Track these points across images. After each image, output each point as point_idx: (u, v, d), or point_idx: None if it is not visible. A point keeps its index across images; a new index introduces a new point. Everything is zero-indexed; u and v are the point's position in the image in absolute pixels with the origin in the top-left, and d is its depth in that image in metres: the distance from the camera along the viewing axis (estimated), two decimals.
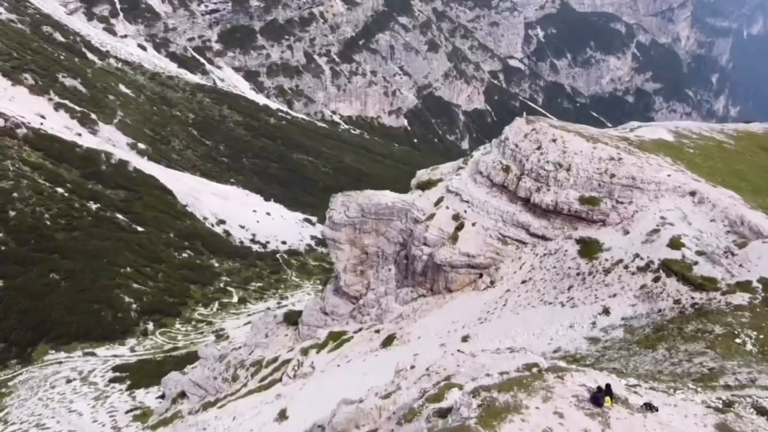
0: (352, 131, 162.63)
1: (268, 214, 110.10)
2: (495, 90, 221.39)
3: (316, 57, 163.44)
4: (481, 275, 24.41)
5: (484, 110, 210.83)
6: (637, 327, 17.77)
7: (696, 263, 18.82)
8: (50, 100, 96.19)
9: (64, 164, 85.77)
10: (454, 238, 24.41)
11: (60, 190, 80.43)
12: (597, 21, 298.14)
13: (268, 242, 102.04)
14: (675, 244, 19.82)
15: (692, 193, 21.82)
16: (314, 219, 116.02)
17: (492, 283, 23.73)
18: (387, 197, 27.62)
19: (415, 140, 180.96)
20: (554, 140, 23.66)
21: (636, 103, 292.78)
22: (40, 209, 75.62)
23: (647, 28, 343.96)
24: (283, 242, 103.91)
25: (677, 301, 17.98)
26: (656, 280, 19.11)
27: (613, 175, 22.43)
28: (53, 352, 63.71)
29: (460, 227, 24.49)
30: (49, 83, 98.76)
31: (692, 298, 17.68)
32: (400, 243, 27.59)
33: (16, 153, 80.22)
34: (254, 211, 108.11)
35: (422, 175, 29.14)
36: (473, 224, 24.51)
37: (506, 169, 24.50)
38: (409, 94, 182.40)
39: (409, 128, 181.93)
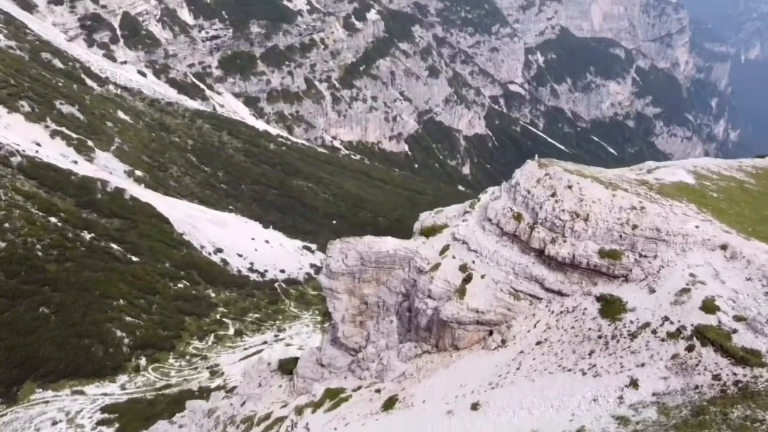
0: (352, 156, 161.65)
1: (267, 242, 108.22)
2: (496, 115, 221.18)
3: (316, 83, 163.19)
4: (491, 332, 22.41)
5: (485, 135, 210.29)
6: (672, 407, 15.68)
7: (735, 331, 16.83)
8: (46, 127, 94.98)
9: (58, 193, 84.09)
10: (461, 292, 22.45)
11: (53, 219, 78.58)
12: (596, 46, 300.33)
13: (266, 271, 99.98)
14: (709, 306, 17.84)
15: (723, 247, 19.92)
16: (313, 247, 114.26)
17: (503, 342, 21.70)
18: (388, 244, 25.74)
19: (416, 165, 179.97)
20: (570, 186, 21.83)
21: (636, 128, 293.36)
22: (32, 240, 73.63)
23: (646, 54, 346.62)
24: (282, 271, 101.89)
25: (716, 377, 15.93)
26: (690, 349, 17.09)
27: (635, 226, 20.53)
28: (40, 390, 61.14)
29: (468, 279, 22.54)
30: (46, 110, 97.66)
31: (734, 374, 15.62)
32: (403, 293, 25.61)
33: (9, 182, 78.56)
34: (252, 239, 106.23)
35: (425, 219, 27.26)
36: (482, 276, 22.56)
37: (518, 217, 22.64)
38: (410, 119, 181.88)
39: (409, 153, 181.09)
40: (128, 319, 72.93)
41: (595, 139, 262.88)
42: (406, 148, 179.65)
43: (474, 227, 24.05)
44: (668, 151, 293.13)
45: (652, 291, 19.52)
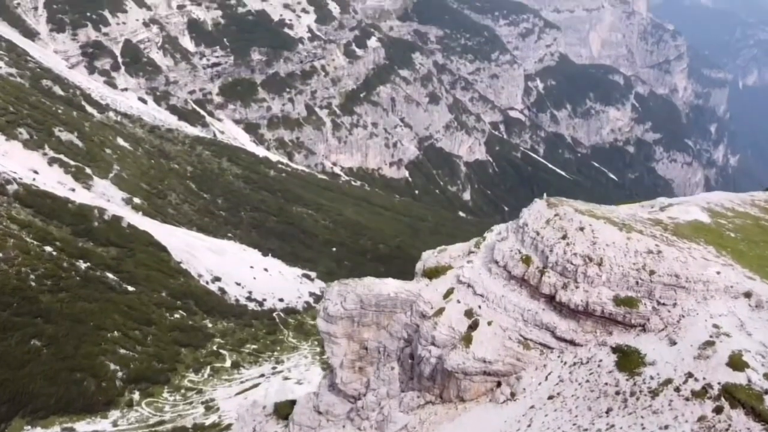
0: (352, 183, 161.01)
1: (266, 270, 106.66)
2: (496, 141, 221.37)
3: (317, 109, 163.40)
4: (499, 384, 21.00)
5: (485, 161, 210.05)
6: None
7: (767, 392, 15.46)
8: (45, 154, 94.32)
9: (54, 221, 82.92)
10: (467, 340, 21.09)
11: (48, 248, 77.26)
12: (595, 73, 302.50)
13: (264, 300, 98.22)
14: (736, 363, 16.51)
15: (747, 295, 18.65)
16: (313, 275, 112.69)
17: (512, 395, 20.28)
18: (389, 286, 24.44)
19: (417, 191, 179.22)
20: (581, 228, 20.64)
21: (637, 153, 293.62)
22: (25, 269, 72.20)
23: (645, 80, 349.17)
24: (281, 300, 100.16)
25: None
26: (718, 411, 15.71)
27: (652, 272, 19.27)
28: (29, 428, 59.10)
29: (474, 326, 21.21)
30: (45, 137, 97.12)
31: None
32: (405, 339, 24.24)
33: (4, 211, 77.48)
34: (251, 267, 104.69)
35: (428, 259, 25.99)
36: (489, 323, 21.23)
37: (526, 261, 21.40)
38: (410, 145, 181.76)
39: (410, 179, 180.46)
40: (122, 351, 71.07)
41: (596, 164, 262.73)
42: (407, 174, 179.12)
43: (480, 269, 22.80)
44: (669, 176, 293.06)
45: (673, 343, 18.19)
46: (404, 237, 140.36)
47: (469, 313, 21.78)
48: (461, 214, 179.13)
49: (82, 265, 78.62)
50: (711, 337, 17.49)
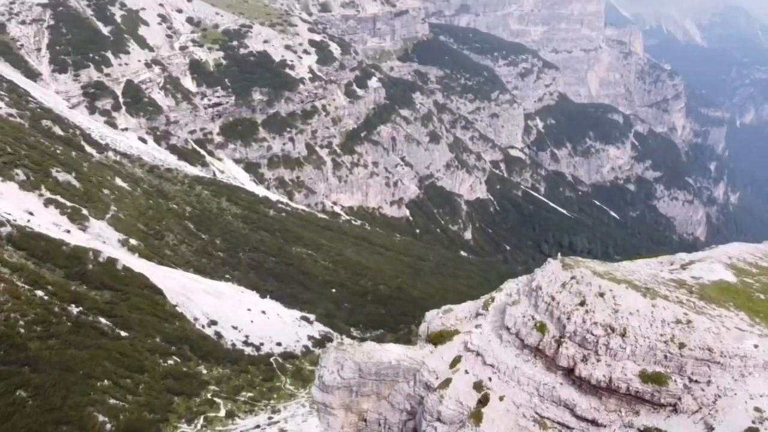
0: (353, 222, 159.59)
1: (264, 312, 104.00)
2: (497, 179, 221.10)
3: (317, 148, 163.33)
4: None
5: (486, 200, 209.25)
6: None
7: None
8: (41, 195, 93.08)
9: (47, 264, 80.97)
10: (476, 417, 19.07)
11: (39, 293, 75.07)
12: (594, 112, 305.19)
13: (262, 344, 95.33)
14: None
15: None
16: (312, 317, 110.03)
17: None
18: (390, 353, 22.51)
19: (417, 230, 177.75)
20: (601, 294, 18.86)
21: (638, 191, 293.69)
22: (15, 315, 69.87)
23: (644, 118, 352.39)
24: (278, 344, 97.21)
25: None
26: None
27: (682, 345, 17.42)
28: None
29: (484, 401, 19.23)
30: (42, 178, 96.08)
31: None
32: (408, 411, 22.18)
33: None
34: (249, 309, 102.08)
35: (432, 320, 24.09)
36: (501, 398, 19.26)
37: (541, 328, 19.56)
38: (411, 184, 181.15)
39: (411, 218, 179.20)
40: (112, 401, 68.08)
41: (597, 203, 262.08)
42: (408, 213, 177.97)
43: (489, 336, 20.93)
44: (670, 214, 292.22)
45: (710, 429, 16.19)
46: (405, 277, 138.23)
47: (478, 386, 19.83)
48: (463, 253, 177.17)
49: (74, 309, 76.31)
50: (754, 422, 15.54)
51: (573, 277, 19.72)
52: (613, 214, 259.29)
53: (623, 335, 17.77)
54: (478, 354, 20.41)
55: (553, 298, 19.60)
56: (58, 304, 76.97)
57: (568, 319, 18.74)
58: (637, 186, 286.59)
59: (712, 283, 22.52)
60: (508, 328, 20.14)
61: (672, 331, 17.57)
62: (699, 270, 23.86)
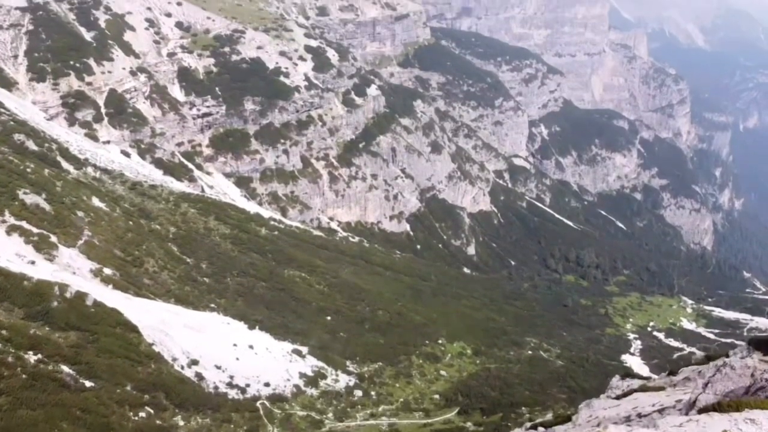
0: (350, 239, 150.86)
1: (251, 347, 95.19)
2: (501, 190, 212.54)
3: (313, 161, 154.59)
4: None
5: (490, 212, 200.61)
6: None
7: None
8: (3, 222, 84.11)
9: (5, 303, 71.92)
10: None
11: None
12: (600, 118, 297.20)
13: (248, 385, 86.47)
14: None
15: None
16: (304, 350, 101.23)
17: None
18: None
19: (418, 246, 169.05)
20: None
21: (644, 200, 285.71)
22: None
23: (649, 124, 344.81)
24: (266, 384, 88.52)
25: None
26: None
27: None
28: None
29: None
30: (7, 202, 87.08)
31: None
32: None
33: None
34: (234, 345, 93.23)
35: None
36: None
37: None
38: (412, 197, 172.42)
39: (411, 233, 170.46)
40: None
41: (603, 213, 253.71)
42: (408, 227, 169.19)
43: None
44: (677, 223, 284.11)
45: None
46: (405, 300, 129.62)
47: None
48: (466, 270, 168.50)
49: (32, 357, 67.14)
50: None
51: None
52: (619, 224, 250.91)
53: None
54: None
55: None
56: (13, 353, 67.80)
57: None
58: (644, 195, 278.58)
59: None
60: None
61: None
62: None
